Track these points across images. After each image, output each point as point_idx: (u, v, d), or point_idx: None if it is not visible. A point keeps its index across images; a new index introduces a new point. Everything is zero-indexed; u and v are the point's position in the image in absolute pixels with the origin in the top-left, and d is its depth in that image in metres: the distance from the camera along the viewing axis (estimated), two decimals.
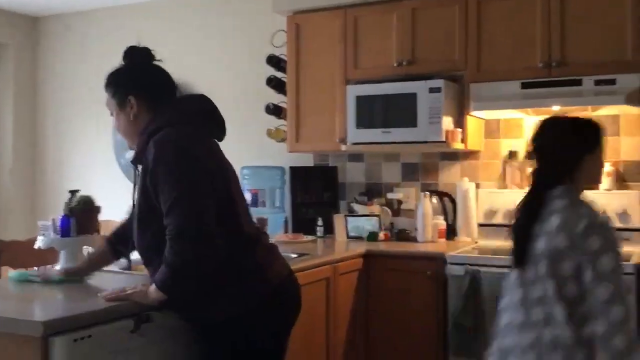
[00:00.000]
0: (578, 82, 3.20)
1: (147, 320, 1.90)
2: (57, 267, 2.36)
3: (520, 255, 1.89)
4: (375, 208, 3.84)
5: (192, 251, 1.82)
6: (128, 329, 1.86)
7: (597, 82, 3.17)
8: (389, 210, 3.86)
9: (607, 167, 3.37)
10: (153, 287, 1.89)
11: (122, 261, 2.37)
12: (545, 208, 1.87)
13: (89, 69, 4.97)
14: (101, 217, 2.55)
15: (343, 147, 3.73)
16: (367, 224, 3.74)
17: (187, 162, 1.88)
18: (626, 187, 3.38)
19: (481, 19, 3.44)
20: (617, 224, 3.29)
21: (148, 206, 1.93)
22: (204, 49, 4.63)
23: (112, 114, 2.09)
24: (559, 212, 1.83)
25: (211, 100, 2.09)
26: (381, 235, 3.70)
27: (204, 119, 2.04)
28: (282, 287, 2.04)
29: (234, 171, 2.07)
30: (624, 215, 3.29)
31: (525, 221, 1.90)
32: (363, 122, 3.63)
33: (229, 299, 1.93)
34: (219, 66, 4.55)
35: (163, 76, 2.09)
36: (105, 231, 3.45)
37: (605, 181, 3.37)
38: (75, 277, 2.23)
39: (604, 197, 3.34)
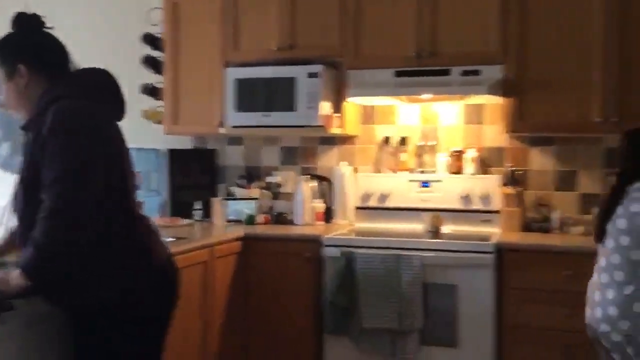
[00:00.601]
0: (447, 72, 3.37)
1: (9, 309, 1.79)
2: None
3: (601, 232, 2.40)
4: (255, 191, 3.85)
5: (63, 235, 1.73)
6: None
7: (464, 73, 3.36)
8: (268, 193, 3.88)
9: (472, 153, 3.61)
10: (17, 272, 1.78)
11: None
12: (626, 198, 2.32)
13: None
14: None
15: (222, 130, 3.70)
16: (246, 208, 3.74)
17: (82, 138, 1.78)
18: (488, 172, 3.62)
19: (359, 8, 3.52)
20: (480, 206, 3.53)
21: (36, 179, 1.80)
22: (74, 24, 4.37)
23: None
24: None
25: (114, 77, 2.00)
26: (260, 218, 3.72)
27: (104, 95, 1.95)
28: (162, 271, 2.00)
29: (128, 150, 1.99)
30: (485, 198, 3.53)
31: (609, 206, 2.38)
32: (242, 105, 3.62)
33: (106, 283, 1.85)
34: (91, 42, 4.32)
35: (55, 44, 1.98)
36: None
37: (470, 166, 3.59)
38: None
39: (468, 181, 3.57)
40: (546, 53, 3.25)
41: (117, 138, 1.96)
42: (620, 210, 2.32)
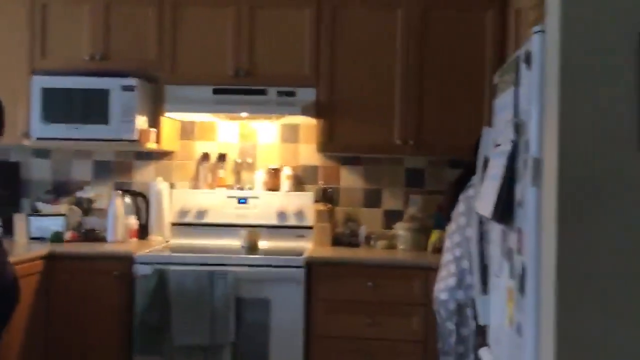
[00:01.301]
0: (263, 92, 3.47)
1: None
2: None
3: (448, 218, 2.70)
4: (63, 207, 3.65)
5: None
6: None
7: (280, 93, 3.48)
8: (78, 209, 3.69)
9: (288, 171, 3.74)
10: None
11: None
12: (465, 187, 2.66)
13: None
14: None
15: (26, 142, 3.46)
16: (53, 224, 3.53)
17: None
18: (303, 189, 3.77)
19: (176, 22, 3.51)
20: (295, 222, 3.66)
21: None
22: None
23: None
24: None
25: None
26: (68, 235, 3.53)
27: None
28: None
29: None
30: (300, 214, 3.67)
31: (453, 196, 2.71)
32: (50, 116, 3.42)
33: None
34: None
35: None
36: None
37: (286, 183, 3.72)
38: None
39: (284, 198, 3.69)
40: (354, 78, 3.47)
41: None
42: (460, 196, 2.67)
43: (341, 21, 3.47)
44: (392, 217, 3.72)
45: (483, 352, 2.54)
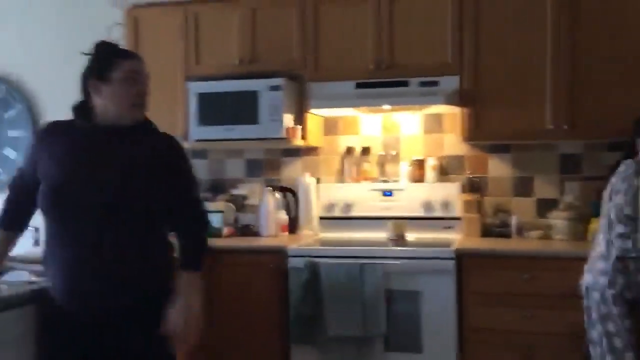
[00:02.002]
0: (405, 84, 3.45)
1: None
2: None
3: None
4: (220, 204, 3.87)
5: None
6: None
7: (422, 84, 3.44)
8: (233, 206, 3.90)
9: (432, 161, 3.69)
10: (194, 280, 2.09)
11: None
12: None
13: None
14: None
15: (186, 144, 3.71)
16: (212, 220, 3.75)
17: None
18: (448, 180, 3.70)
19: (318, 22, 3.59)
20: (441, 213, 3.61)
21: None
22: (36, 41, 4.37)
23: None
24: None
25: None
26: (225, 231, 3.74)
27: None
28: None
29: None
30: (446, 205, 3.61)
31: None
32: (205, 119, 3.65)
33: None
34: (53, 58, 4.32)
35: None
36: None
37: (430, 174, 3.67)
38: None
39: (429, 189, 3.65)
40: (499, 63, 3.35)
41: None
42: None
43: (484, 4, 3.36)
44: (545, 206, 3.55)
45: None
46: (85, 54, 2.09)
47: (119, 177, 1.99)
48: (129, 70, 2.04)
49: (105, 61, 2.04)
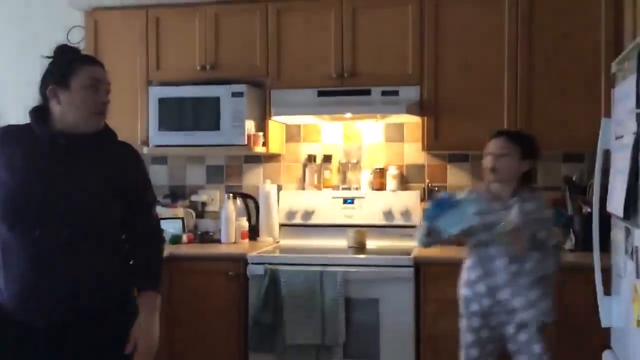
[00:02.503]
0: (367, 92, 3.49)
1: None
2: None
3: None
4: (179, 211, 3.84)
5: None
6: None
7: (384, 93, 3.48)
8: (193, 212, 3.87)
9: (393, 170, 3.73)
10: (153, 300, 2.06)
11: None
12: None
13: None
14: None
15: (145, 150, 3.67)
16: (171, 227, 3.71)
17: None
18: (409, 188, 3.74)
19: (281, 29, 3.59)
20: (402, 221, 3.64)
21: None
22: None
23: None
24: None
25: None
26: (185, 237, 3.71)
27: None
28: None
29: None
30: (406, 213, 3.64)
31: None
32: (166, 124, 3.61)
33: None
34: (8, 60, 4.23)
35: None
36: None
37: (391, 183, 3.71)
38: None
39: (390, 197, 3.68)
40: (459, 74, 3.41)
41: None
42: None
43: (444, 17, 3.42)
44: None
45: (607, 355, 2.42)
46: (46, 57, 2.04)
47: (77, 188, 1.95)
48: (90, 77, 1.98)
49: (65, 66, 1.98)
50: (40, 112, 2.02)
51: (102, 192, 1.98)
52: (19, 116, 2.16)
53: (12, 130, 2.06)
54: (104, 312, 2.00)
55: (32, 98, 2.06)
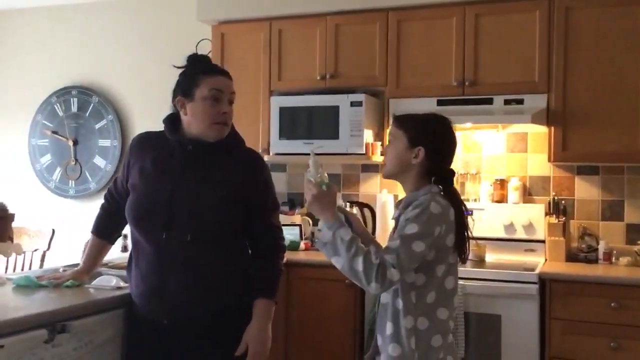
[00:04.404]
0: (489, 101, 3.38)
1: (62, 331, 1.88)
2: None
3: None
4: (297, 218, 3.90)
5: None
6: (42, 339, 1.83)
7: (507, 102, 3.36)
8: (310, 220, 3.93)
9: (516, 182, 3.59)
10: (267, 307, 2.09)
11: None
12: None
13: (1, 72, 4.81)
14: (15, 224, 2.48)
15: (266, 157, 3.77)
16: (289, 234, 3.77)
17: None
18: (532, 201, 3.59)
19: (400, 38, 3.57)
20: (524, 235, 3.50)
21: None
22: (126, 55, 4.57)
23: None
24: None
25: None
26: (302, 244, 3.76)
27: None
28: None
29: None
30: (529, 227, 3.49)
31: None
32: (286, 133, 3.69)
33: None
34: (141, 75, 4.51)
35: None
36: (18, 239, 3.31)
37: (513, 195, 3.57)
38: (82, 280, 2.25)
39: (511, 210, 3.54)
40: (590, 82, 3.23)
41: None
42: None
43: (574, 21, 3.26)
44: (635, 232, 3.38)
45: None
46: (177, 67, 2.13)
47: (201, 194, 2.02)
48: (210, 89, 2.03)
49: (190, 78, 2.06)
50: (172, 120, 2.12)
51: (225, 198, 2.03)
52: (151, 123, 2.27)
53: (146, 138, 2.18)
54: (222, 314, 2.05)
55: (165, 107, 2.16)
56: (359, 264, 1.79)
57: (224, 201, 2.03)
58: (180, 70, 2.12)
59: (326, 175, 1.94)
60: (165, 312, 2.02)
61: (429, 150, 1.94)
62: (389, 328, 1.93)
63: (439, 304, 1.92)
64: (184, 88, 2.06)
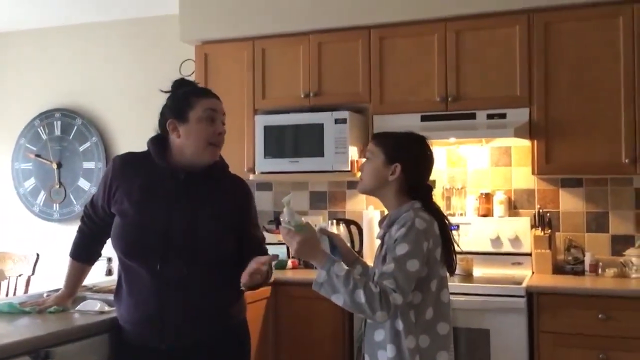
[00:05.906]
0: (472, 116, 3.41)
1: (46, 357, 1.85)
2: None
3: None
4: None
5: None
6: None
7: (490, 116, 3.39)
8: None
9: (501, 195, 3.61)
10: None
11: None
12: None
13: None
14: None
15: (251, 177, 3.76)
16: (276, 252, 3.77)
17: None
18: (517, 214, 3.60)
19: (383, 55, 3.60)
20: (511, 249, 3.51)
21: None
22: (110, 77, 4.57)
23: None
24: None
25: None
26: (289, 263, 3.75)
27: None
28: None
29: None
30: (515, 240, 3.51)
31: None
32: (271, 151, 3.69)
33: None
34: (123, 94, 4.50)
35: None
36: (2, 264, 3.27)
37: (499, 208, 3.59)
38: (65, 305, 2.23)
39: (497, 224, 3.55)
40: (571, 95, 3.27)
41: None
42: None
43: (554, 35, 3.30)
44: (620, 243, 3.40)
45: None
46: (164, 92, 2.12)
47: (195, 225, 2.01)
48: (207, 109, 2.03)
49: (183, 100, 2.05)
50: (158, 143, 2.09)
51: (220, 229, 2.03)
52: (135, 145, 2.26)
53: (131, 159, 2.14)
54: (219, 338, 2.04)
55: (149, 128, 2.15)
56: (361, 297, 1.79)
57: (218, 232, 2.03)
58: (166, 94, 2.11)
59: (302, 218, 1.95)
60: (164, 337, 2.00)
61: (405, 166, 1.98)
62: (390, 350, 1.90)
63: (437, 319, 1.92)
64: (176, 111, 2.04)
